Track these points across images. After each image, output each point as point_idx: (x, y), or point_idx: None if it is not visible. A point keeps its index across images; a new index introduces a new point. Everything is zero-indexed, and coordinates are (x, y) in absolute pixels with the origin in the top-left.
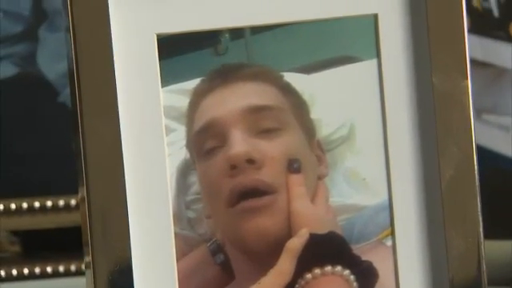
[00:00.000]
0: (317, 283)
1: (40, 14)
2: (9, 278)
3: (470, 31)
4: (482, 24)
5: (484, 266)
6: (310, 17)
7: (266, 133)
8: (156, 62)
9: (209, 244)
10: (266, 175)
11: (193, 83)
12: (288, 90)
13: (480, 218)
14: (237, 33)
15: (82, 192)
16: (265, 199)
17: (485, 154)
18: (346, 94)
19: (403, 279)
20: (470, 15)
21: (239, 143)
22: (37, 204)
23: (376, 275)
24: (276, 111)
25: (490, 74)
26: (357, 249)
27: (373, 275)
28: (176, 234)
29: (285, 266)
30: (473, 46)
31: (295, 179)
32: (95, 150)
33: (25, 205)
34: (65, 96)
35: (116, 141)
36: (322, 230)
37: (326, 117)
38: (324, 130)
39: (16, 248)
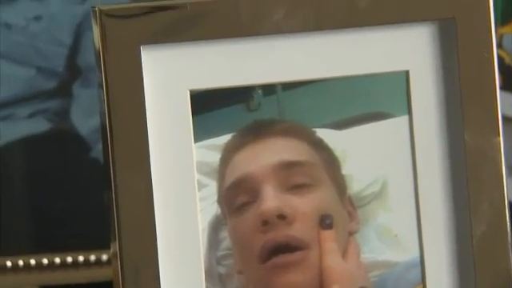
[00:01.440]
0: None
1: (74, 71)
2: None
3: (502, 88)
4: None
5: None
6: (341, 73)
7: (298, 188)
8: (189, 118)
9: None
10: (298, 231)
11: (224, 139)
12: (320, 146)
13: None
14: (269, 89)
15: (115, 247)
16: (296, 255)
17: None
18: (377, 151)
19: None
20: (501, 72)
21: (271, 199)
22: (69, 259)
23: None
24: (308, 167)
25: None
26: None
27: None
28: None
29: None
30: (505, 102)
31: (327, 235)
32: (127, 205)
33: (57, 260)
34: (97, 151)
35: (148, 196)
36: (353, 286)
37: (358, 173)
38: (355, 186)
39: None
